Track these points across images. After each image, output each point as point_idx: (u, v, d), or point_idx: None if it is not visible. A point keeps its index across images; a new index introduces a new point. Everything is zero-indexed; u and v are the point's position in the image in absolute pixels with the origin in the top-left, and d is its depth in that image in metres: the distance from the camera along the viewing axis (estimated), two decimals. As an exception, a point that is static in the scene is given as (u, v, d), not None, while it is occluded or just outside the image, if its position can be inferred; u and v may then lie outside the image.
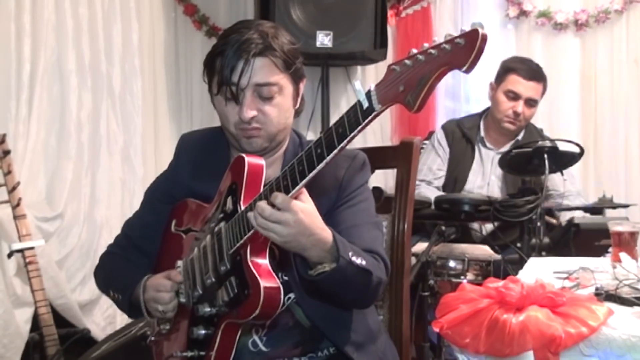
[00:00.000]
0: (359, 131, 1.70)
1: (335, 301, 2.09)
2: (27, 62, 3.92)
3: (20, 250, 3.36)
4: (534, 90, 4.18)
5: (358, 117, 1.68)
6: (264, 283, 1.86)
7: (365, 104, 1.67)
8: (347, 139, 1.71)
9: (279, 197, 1.80)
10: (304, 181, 1.79)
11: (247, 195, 1.96)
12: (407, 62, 1.61)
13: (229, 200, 2.01)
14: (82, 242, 4.14)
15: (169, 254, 2.27)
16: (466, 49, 1.51)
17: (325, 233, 1.90)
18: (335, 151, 1.73)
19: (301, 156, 1.79)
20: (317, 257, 1.91)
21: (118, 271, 2.34)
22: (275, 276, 1.91)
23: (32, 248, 3.38)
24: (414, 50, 1.61)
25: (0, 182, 3.41)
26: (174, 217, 2.31)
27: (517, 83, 4.17)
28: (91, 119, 4.27)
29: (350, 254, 1.92)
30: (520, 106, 4.17)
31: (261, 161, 2.02)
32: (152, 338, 2.30)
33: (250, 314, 1.87)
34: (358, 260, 1.94)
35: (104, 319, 4.23)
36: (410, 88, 1.59)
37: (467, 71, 1.53)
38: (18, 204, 3.38)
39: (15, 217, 3.39)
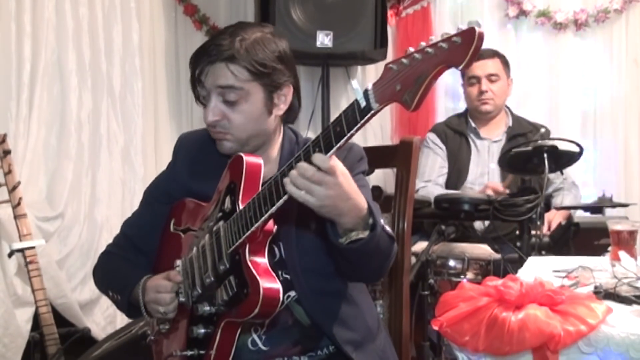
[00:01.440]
0: (357, 130, 1.70)
1: (357, 271, 2.07)
2: (27, 62, 3.92)
3: (21, 250, 3.36)
4: (489, 66, 4.38)
5: (356, 116, 1.69)
6: (263, 282, 1.86)
7: (363, 103, 1.67)
8: (345, 138, 1.71)
9: (319, 158, 1.76)
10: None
11: (246, 194, 1.96)
12: (404, 60, 1.61)
13: (228, 200, 2.02)
14: (82, 242, 4.15)
15: (168, 254, 2.27)
16: (463, 47, 1.51)
17: (361, 198, 1.88)
18: (333, 150, 1.74)
19: (299, 155, 1.80)
20: (351, 223, 1.88)
21: (116, 271, 2.35)
22: (275, 275, 1.91)
23: (32, 248, 3.38)
24: (411, 49, 1.61)
25: (1, 181, 3.41)
26: (172, 217, 2.31)
27: (472, 68, 4.33)
28: (91, 118, 4.28)
29: (382, 220, 1.92)
30: (483, 85, 4.37)
31: (259, 160, 2.02)
32: (152, 337, 2.30)
33: (250, 313, 1.88)
34: (387, 227, 1.95)
35: (105, 318, 4.23)
36: (408, 87, 1.59)
37: (464, 69, 1.54)
38: (18, 204, 3.38)
39: (16, 217, 3.39)
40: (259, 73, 2.06)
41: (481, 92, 4.37)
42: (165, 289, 2.13)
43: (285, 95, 2.15)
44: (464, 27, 1.52)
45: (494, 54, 4.41)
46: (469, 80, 4.42)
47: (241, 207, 1.94)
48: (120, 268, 2.34)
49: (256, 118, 2.10)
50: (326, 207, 1.82)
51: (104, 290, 2.41)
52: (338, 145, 1.73)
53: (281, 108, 2.15)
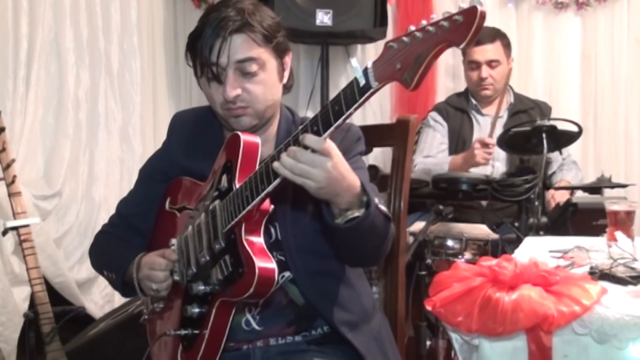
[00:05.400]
0: (356, 109, 1.69)
1: (355, 252, 2.07)
2: (24, 39, 3.90)
3: (15, 228, 3.35)
4: (490, 52, 4.33)
5: (355, 94, 1.67)
6: (258, 262, 1.85)
7: (362, 82, 1.65)
8: (344, 117, 1.70)
9: (312, 139, 1.75)
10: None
11: (242, 173, 1.95)
12: (405, 39, 1.60)
13: (224, 178, 2.01)
14: (80, 221, 4.14)
15: (163, 232, 2.27)
16: (464, 26, 1.50)
17: (354, 176, 1.87)
18: (332, 129, 1.72)
19: (297, 134, 1.78)
20: (346, 203, 1.87)
21: (111, 250, 2.34)
22: (270, 255, 1.90)
23: (27, 226, 3.36)
24: (412, 28, 1.60)
25: (-5, 159, 3.40)
26: (168, 195, 2.31)
27: (472, 52, 4.33)
28: (89, 97, 4.27)
29: (376, 199, 1.91)
30: (484, 71, 4.34)
31: (256, 139, 2.01)
32: (146, 316, 2.30)
33: (244, 292, 1.87)
34: (382, 206, 1.94)
35: (102, 297, 4.24)
36: (408, 65, 1.58)
37: (465, 48, 1.53)
38: (13, 181, 3.35)
39: (10, 195, 3.37)
40: (271, 37, 2.07)
41: (481, 79, 4.34)
42: (159, 266, 2.12)
43: (287, 62, 2.17)
44: (466, 5, 1.50)
45: (494, 37, 4.35)
46: (469, 64, 4.39)
47: (237, 185, 1.93)
48: (115, 247, 2.34)
49: (271, 86, 2.11)
50: (324, 189, 1.81)
51: (100, 270, 2.41)
52: (336, 124, 1.71)
53: (285, 75, 2.18)
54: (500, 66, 4.36)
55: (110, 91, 4.42)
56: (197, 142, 2.26)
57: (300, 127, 1.78)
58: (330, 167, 1.78)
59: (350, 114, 1.70)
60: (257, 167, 1.94)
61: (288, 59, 2.17)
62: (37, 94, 3.97)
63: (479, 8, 1.48)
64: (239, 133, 2.00)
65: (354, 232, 1.90)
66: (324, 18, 4.57)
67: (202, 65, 2.07)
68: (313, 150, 1.76)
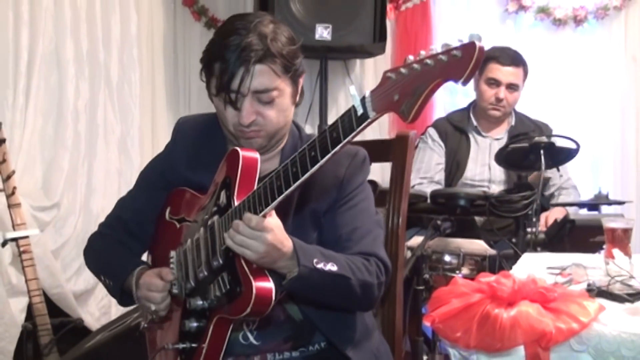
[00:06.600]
0: (353, 137, 1.69)
1: (326, 306, 2.11)
2: (24, 50, 3.91)
3: (14, 239, 3.35)
4: (514, 75, 4.32)
5: (352, 123, 1.67)
6: (255, 282, 1.86)
7: (360, 111, 1.65)
8: (341, 145, 1.70)
9: (253, 220, 1.83)
10: (291, 189, 1.79)
11: (241, 190, 1.95)
12: (403, 70, 1.58)
13: (223, 194, 2.00)
14: (78, 232, 4.14)
15: (163, 242, 2.28)
16: (463, 61, 1.48)
17: (288, 243, 1.91)
18: (329, 155, 1.72)
19: (295, 157, 1.78)
20: (285, 267, 1.92)
21: (110, 255, 2.34)
22: (268, 274, 1.90)
23: (26, 237, 3.37)
24: (411, 58, 1.58)
25: (-5, 171, 3.40)
26: (168, 204, 2.31)
27: (496, 70, 4.31)
28: (88, 108, 4.27)
29: (315, 261, 1.94)
30: (502, 92, 4.32)
31: (255, 155, 1.99)
32: (145, 325, 2.29)
33: (242, 311, 1.87)
34: (327, 267, 1.96)
35: (99, 309, 4.24)
36: (405, 97, 1.57)
37: (464, 84, 1.50)
38: (13, 193, 3.36)
39: (10, 206, 3.37)
40: (290, 66, 2.07)
41: (498, 100, 4.32)
42: (157, 288, 2.12)
43: (300, 83, 2.17)
44: (465, 40, 1.49)
45: (519, 62, 4.35)
46: (489, 80, 4.34)
47: (236, 203, 1.92)
48: (114, 252, 2.34)
49: (285, 110, 2.11)
50: (263, 259, 1.88)
51: (96, 274, 2.40)
52: (333, 151, 1.71)
53: (297, 96, 2.18)
54: (517, 92, 4.37)
55: (110, 103, 4.43)
56: (200, 152, 2.26)
57: (300, 151, 1.78)
58: (270, 240, 1.84)
59: (348, 142, 1.70)
60: (255, 184, 1.94)
61: (301, 81, 2.17)
62: (36, 105, 3.97)
63: (478, 44, 1.46)
64: (238, 149, 1.99)
65: (298, 291, 2.02)
66: (323, 33, 4.59)
67: (219, 90, 2.05)
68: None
